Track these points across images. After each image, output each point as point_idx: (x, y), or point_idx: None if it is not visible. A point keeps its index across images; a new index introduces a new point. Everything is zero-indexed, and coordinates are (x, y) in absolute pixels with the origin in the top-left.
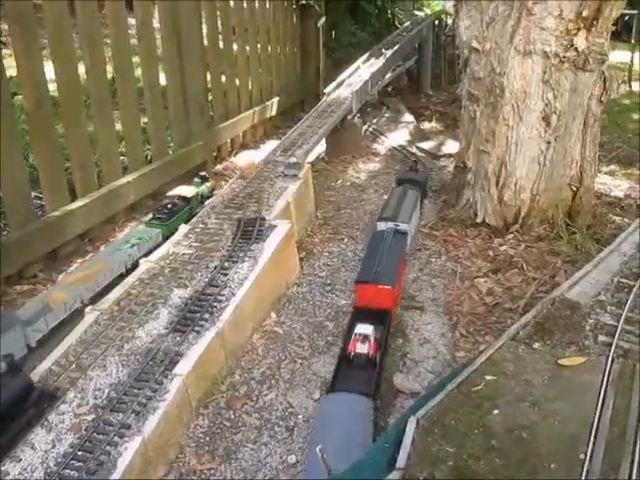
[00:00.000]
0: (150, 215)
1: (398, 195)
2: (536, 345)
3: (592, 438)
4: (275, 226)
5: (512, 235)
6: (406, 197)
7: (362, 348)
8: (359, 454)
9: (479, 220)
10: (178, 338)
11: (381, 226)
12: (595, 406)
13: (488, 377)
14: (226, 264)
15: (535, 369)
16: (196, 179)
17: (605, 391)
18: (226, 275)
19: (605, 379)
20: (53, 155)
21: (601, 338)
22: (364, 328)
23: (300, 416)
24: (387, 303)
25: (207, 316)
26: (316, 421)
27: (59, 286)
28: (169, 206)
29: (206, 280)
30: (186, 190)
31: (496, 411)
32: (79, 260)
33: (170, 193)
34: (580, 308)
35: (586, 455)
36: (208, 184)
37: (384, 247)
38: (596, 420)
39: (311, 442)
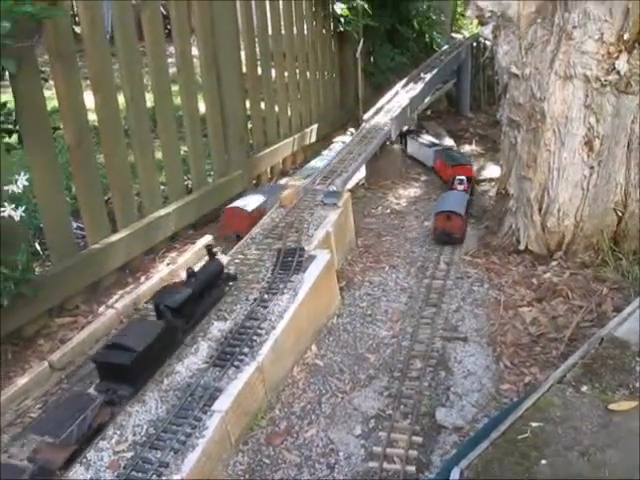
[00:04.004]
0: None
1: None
2: (584, 388)
3: None
4: (315, 256)
5: (556, 262)
6: None
7: (460, 187)
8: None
9: (522, 247)
10: (217, 373)
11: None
12: None
13: (534, 424)
14: (266, 296)
15: (583, 415)
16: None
17: None
18: (266, 308)
19: None
20: (94, 189)
21: None
22: (461, 178)
23: (341, 453)
24: (469, 174)
25: (247, 350)
26: (442, 197)
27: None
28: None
29: (246, 313)
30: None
31: (544, 461)
32: (120, 291)
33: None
34: (629, 347)
35: None
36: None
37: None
38: None
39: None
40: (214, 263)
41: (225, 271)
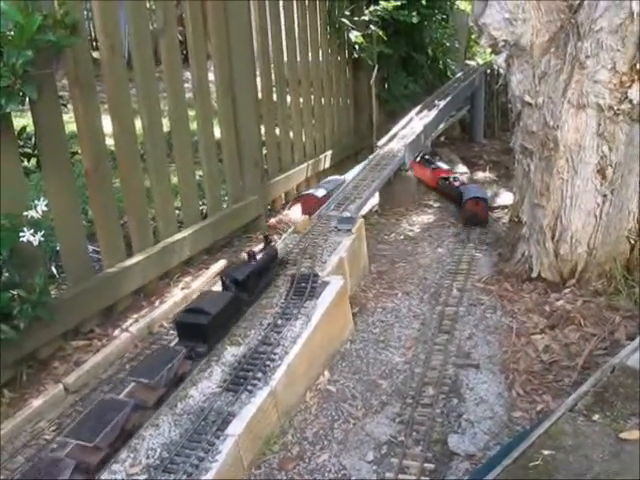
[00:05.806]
0: None
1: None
2: (595, 417)
3: None
4: (328, 282)
5: (569, 290)
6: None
7: (456, 184)
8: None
9: (535, 274)
10: (231, 397)
11: None
12: None
13: (546, 452)
14: (279, 321)
15: (595, 443)
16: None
17: None
18: (279, 333)
19: None
20: (110, 213)
21: None
22: (454, 176)
23: (353, 478)
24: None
25: (260, 375)
26: (465, 188)
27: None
28: None
29: (259, 338)
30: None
31: None
32: (135, 315)
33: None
34: None
35: None
36: None
37: None
38: None
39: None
40: (270, 248)
41: (279, 256)
